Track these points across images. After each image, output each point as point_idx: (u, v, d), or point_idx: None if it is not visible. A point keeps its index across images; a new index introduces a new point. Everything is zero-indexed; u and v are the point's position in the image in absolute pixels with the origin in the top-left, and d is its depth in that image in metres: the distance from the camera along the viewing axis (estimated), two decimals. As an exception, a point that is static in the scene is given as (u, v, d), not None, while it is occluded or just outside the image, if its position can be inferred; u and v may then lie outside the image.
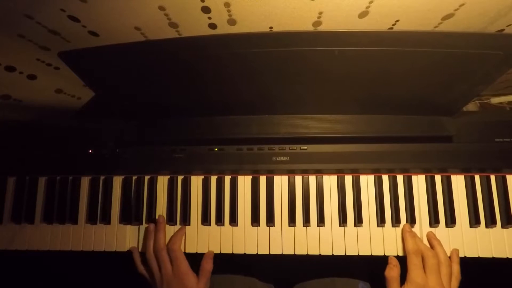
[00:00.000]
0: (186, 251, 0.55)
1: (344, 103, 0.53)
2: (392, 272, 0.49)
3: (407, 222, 0.54)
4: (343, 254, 0.53)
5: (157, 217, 0.56)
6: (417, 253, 0.49)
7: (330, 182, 0.56)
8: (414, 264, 0.49)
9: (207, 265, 0.53)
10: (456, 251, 0.52)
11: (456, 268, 0.50)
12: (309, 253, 0.54)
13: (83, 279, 0.75)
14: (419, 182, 0.56)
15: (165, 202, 0.57)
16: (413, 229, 0.54)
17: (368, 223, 0.54)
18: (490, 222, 0.53)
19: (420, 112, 0.54)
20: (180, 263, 0.52)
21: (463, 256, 0.52)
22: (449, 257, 0.51)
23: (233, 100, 0.52)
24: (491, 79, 0.47)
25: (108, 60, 0.45)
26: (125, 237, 0.56)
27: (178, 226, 0.56)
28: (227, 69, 0.45)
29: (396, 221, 0.54)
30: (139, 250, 0.56)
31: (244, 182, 0.57)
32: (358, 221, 0.54)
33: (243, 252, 0.55)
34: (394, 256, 0.52)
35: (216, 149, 0.55)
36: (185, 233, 0.55)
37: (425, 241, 0.53)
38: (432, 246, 0.52)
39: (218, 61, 0.44)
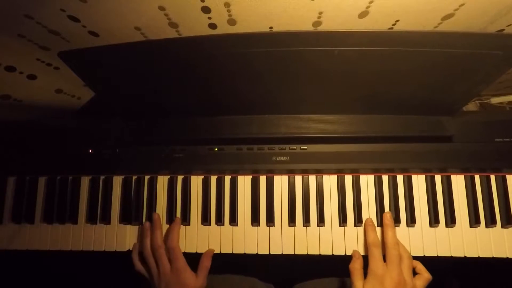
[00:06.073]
0: (186, 251, 0.55)
1: (344, 103, 0.53)
2: (355, 264, 0.50)
3: (407, 222, 0.54)
4: (343, 254, 0.53)
5: (153, 215, 0.56)
6: (376, 245, 0.51)
7: (330, 182, 0.56)
8: (373, 256, 0.50)
9: (206, 262, 0.54)
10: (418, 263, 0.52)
11: (419, 266, 0.51)
12: (309, 253, 0.54)
13: (83, 279, 0.75)
14: (419, 182, 0.56)
15: (165, 202, 0.57)
16: (413, 228, 0.54)
17: (368, 223, 0.54)
18: (490, 222, 0.53)
19: (420, 112, 0.54)
20: (178, 260, 0.52)
21: (463, 256, 0.52)
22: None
23: (233, 100, 0.52)
24: (491, 79, 0.47)
25: (108, 60, 0.45)
26: (125, 237, 0.56)
27: (178, 226, 0.56)
28: (227, 69, 0.45)
29: (396, 221, 0.54)
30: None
31: (244, 182, 0.57)
32: (358, 221, 0.54)
33: (243, 252, 0.55)
34: None
35: (216, 149, 0.55)
36: (179, 229, 0.55)
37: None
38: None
39: (218, 61, 0.44)
